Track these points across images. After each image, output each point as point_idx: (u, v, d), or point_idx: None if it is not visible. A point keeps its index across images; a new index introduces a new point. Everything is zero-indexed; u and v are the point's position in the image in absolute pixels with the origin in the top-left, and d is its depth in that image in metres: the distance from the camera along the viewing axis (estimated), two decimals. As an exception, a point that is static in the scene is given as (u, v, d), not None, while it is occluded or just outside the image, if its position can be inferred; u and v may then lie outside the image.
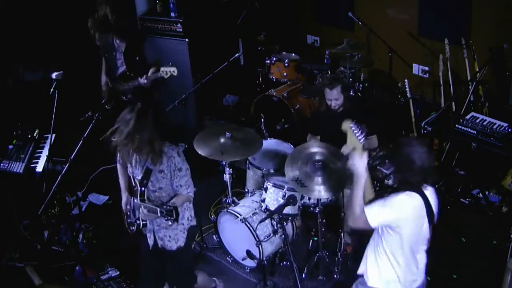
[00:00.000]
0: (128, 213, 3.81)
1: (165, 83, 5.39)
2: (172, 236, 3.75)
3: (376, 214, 3.05)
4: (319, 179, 4.17)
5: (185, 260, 3.93)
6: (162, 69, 5.00)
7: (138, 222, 3.68)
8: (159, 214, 3.43)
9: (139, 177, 3.62)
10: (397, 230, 3.04)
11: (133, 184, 3.74)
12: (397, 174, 3.12)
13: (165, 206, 3.41)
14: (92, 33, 5.19)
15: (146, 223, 3.69)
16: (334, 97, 4.60)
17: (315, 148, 4.39)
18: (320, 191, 4.14)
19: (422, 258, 3.23)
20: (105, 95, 5.41)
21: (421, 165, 2.98)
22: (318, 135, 4.85)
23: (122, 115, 3.43)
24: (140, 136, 3.39)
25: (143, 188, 3.59)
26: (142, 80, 5.12)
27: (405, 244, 3.08)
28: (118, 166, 3.87)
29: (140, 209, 3.55)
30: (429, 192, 3.10)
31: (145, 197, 3.60)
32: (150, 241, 3.78)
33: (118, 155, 3.75)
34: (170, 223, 3.52)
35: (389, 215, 3.03)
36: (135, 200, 3.66)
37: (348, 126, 3.36)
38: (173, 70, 4.92)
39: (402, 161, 3.05)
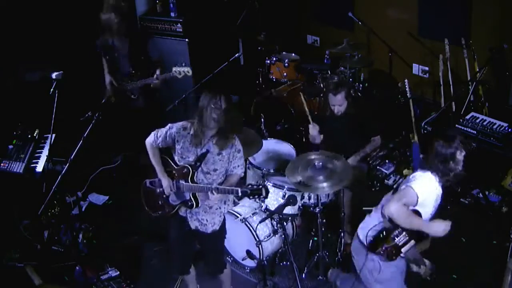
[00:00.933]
0: (164, 196, 3.79)
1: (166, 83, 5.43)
2: (209, 220, 3.77)
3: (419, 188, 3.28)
4: (321, 177, 4.17)
5: (218, 243, 3.99)
6: (174, 69, 5.03)
7: (190, 203, 3.67)
8: (239, 194, 3.44)
9: (191, 159, 3.63)
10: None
11: (174, 166, 3.73)
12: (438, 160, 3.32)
13: (249, 186, 3.43)
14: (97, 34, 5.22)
15: (198, 205, 3.68)
16: (338, 103, 4.60)
17: (312, 155, 4.41)
18: (324, 188, 4.14)
19: None
20: (109, 94, 5.41)
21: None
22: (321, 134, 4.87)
23: (212, 102, 3.46)
24: (230, 123, 3.49)
25: (194, 170, 3.61)
26: (153, 80, 5.15)
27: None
28: (151, 144, 3.77)
29: (210, 197, 3.54)
30: None
31: (195, 178, 3.63)
32: (191, 223, 3.79)
33: (162, 137, 3.71)
34: (210, 207, 3.60)
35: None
36: (183, 182, 3.65)
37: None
38: (187, 70, 4.96)
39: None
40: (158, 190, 3.86)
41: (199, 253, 4.10)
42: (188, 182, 3.63)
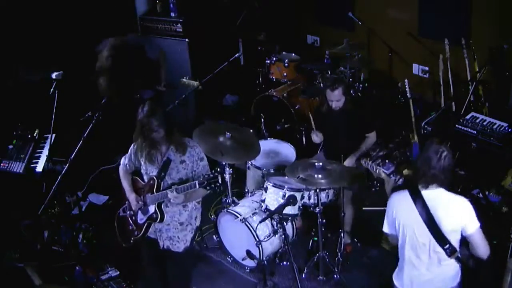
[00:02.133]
0: (133, 217, 3.80)
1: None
2: (181, 237, 3.75)
3: (385, 219, 3.30)
4: (320, 176, 4.20)
5: (189, 263, 3.94)
6: (182, 80, 5.11)
7: (155, 216, 3.64)
8: (197, 186, 3.40)
9: (155, 173, 3.62)
10: (399, 225, 3.19)
11: (141, 183, 3.75)
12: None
13: (206, 176, 3.39)
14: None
15: (163, 218, 3.65)
16: (336, 99, 4.59)
17: (310, 160, 4.45)
18: (323, 183, 4.17)
19: (439, 268, 3.19)
20: (110, 92, 5.40)
21: (417, 165, 3.11)
22: (320, 132, 4.88)
23: (140, 116, 3.45)
24: (159, 132, 3.43)
25: (159, 181, 3.60)
26: (161, 88, 5.21)
27: (407, 241, 3.18)
28: (122, 168, 3.85)
29: (169, 195, 3.49)
30: (434, 194, 3.11)
31: (161, 189, 3.61)
32: (162, 242, 3.77)
33: (128, 157, 3.76)
34: (182, 221, 3.56)
35: (387, 215, 3.22)
36: (149, 195, 3.64)
37: (364, 165, 3.68)
38: (197, 84, 5.06)
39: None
40: (128, 213, 3.89)
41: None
42: (154, 193, 3.63)
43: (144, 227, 3.74)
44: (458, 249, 3.13)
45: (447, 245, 3.09)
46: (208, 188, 3.41)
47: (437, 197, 3.11)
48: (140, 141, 3.57)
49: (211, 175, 3.38)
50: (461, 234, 3.11)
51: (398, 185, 3.60)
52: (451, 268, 3.20)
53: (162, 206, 3.65)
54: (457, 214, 3.08)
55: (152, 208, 3.69)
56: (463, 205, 3.11)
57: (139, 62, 5.32)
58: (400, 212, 3.21)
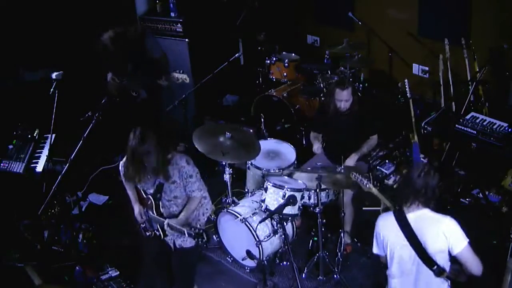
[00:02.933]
0: (144, 224, 3.88)
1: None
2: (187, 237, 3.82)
3: (374, 241, 3.37)
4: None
5: (196, 257, 4.05)
6: (173, 74, 5.11)
7: (158, 233, 3.78)
8: (186, 236, 3.52)
9: (151, 191, 3.71)
10: (387, 246, 3.24)
11: (143, 196, 3.82)
12: None
13: (193, 229, 3.49)
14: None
15: (166, 235, 3.78)
16: (345, 98, 4.57)
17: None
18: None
19: (419, 285, 3.20)
20: (111, 90, 5.40)
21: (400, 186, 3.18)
22: (321, 134, 4.87)
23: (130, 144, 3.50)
24: (149, 161, 3.48)
25: (157, 202, 3.70)
26: (163, 82, 5.19)
27: (394, 262, 3.24)
28: (121, 170, 3.86)
29: (165, 226, 3.63)
30: (418, 215, 3.11)
31: (160, 208, 3.71)
32: (171, 244, 3.86)
33: (123, 174, 3.79)
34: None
35: (376, 237, 3.32)
36: (151, 213, 3.75)
37: (353, 177, 3.67)
38: (184, 78, 5.07)
39: None
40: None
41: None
42: (154, 213, 3.73)
43: (154, 233, 3.86)
44: (447, 268, 3.12)
45: (435, 267, 3.08)
46: (194, 239, 3.49)
47: (422, 219, 3.09)
48: (131, 169, 3.59)
49: (201, 231, 3.46)
50: (449, 254, 3.09)
51: (386, 207, 3.63)
52: (440, 286, 3.20)
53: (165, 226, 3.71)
54: (442, 234, 3.03)
55: (155, 226, 3.81)
56: (448, 224, 3.06)
57: (140, 53, 5.32)
58: (387, 235, 3.24)
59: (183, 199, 3.76)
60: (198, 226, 3.85)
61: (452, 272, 3.14)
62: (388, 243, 3.23)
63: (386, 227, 3.24)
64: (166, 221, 3.62)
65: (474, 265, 3.06)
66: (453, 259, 3.12)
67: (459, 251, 3.03)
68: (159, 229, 3.76)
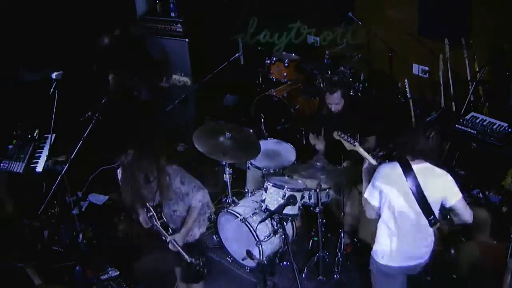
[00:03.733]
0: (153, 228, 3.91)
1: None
2: (196, 225, 3.90)
3: (369, 189, 3.42)
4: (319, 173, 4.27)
5: (201, 246, 4.12)
6: (174, 76, 5.12)
7: (163, 238, 3.81)
8: (188, 261, 3.62)
9: (153, 204, 3.76)
10: (386, 197, 3.30)
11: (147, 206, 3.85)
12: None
13: (194, 260, 3.60)
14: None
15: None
16: (335, 102, 4.68)
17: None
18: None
19: (421, 239, 3.36)
20: (112, 88, 5.40)
21: (405, 140, 3.32)
22: (320, 135, 4.87)
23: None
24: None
25: (159, 215, 3.77)
26: (164, 83, 5.20)
27: (390, 211, 3.32)
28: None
29: (169, 245, 3.73)
30: (420, 167, 3.27)
31: (163, 218, 3.79)
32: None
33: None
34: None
35: (376, 183, 3.35)
36: (154, 221, 3.79)
37: (337, 137, 3.73)
38: (186, 80, 5.08)
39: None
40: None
41: None
42: (157, 223, 3.78)
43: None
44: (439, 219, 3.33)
45: (431, 216, 3.27)
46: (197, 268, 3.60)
47: (424, 171, 3.27)
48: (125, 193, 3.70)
49: (201, 263, 3.59)
50: (441, 205, 3.30)
51: (375, 165, 3.64)
52: (428, 240, 3.39)
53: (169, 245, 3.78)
54: (441, 186, 3.27)
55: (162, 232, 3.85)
56: (447, 178, 3.31)
57: (141, 54, 5.32)
58: (388, 183, 3.32)
59: (183, 211, 3.83)
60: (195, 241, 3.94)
61: (443, 223, 3.39)
62: (388, 192, 3.31)
63: (389, 176, 3.33)
64: (169, 238, 3.71)
65: (466, 214, 3.34)
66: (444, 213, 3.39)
67: (456, 201, 3.28)
68: (165, 235, 3.80)
